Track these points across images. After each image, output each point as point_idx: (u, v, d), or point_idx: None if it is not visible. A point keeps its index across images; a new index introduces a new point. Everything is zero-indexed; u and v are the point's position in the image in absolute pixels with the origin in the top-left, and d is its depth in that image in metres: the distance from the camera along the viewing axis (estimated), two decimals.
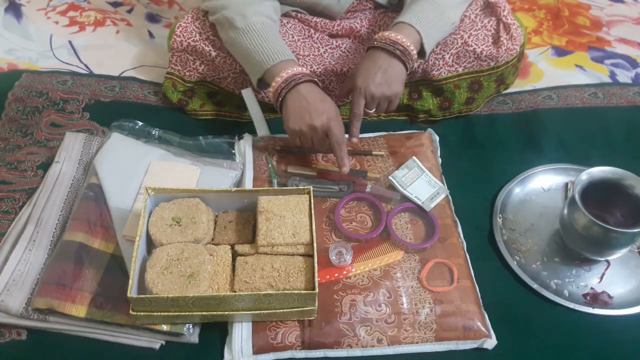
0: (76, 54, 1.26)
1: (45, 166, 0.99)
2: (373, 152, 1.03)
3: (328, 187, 0.96)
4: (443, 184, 0.99)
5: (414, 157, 1.00)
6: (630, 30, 1.44)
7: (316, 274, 0.78)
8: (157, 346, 0.80)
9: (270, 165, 0.99)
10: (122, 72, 1.22)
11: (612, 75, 1.29)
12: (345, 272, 0.86)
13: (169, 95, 1.10)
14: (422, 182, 0.96)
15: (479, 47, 1.04)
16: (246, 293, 0.77)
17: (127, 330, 0.80)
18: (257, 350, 0.79)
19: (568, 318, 0.86)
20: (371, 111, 0.95)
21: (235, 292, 0.79)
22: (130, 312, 0.77)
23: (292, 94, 0.90)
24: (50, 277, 0.82)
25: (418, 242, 0.90)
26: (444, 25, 0.98)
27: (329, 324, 0.80)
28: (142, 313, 0.76)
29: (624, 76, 1.29)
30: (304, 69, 0.92)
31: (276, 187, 0.94)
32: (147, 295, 0.75)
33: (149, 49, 1.28)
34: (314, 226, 0.83)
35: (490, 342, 0.82)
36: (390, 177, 0.97)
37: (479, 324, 0.82)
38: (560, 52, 1.36)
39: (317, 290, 0.77)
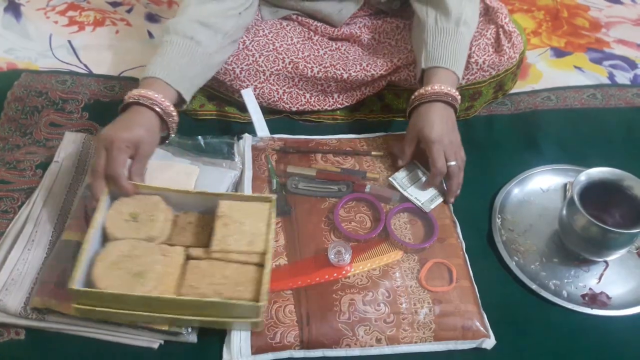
0: (75, 53, 1.26)
1: (44, 166, 0.99)
2: (372, 153, 1.03)
3: (327, 187, 0.96)
4: (443, 185, 0.98)
5: (415, 162, 0.99)
6: (629, 31, 1.45)
7: (265, 286, 0.76)
8: (155, 346, 0.80)
9: (269, 165, 0.99)
10: (122, 72, 1.22)
11: (611, 76, 1.30)
12: (344, 272, 0.86)
13: None
14: (422, 184, 0.96)
15: (480, 58, 1.03)
16: (189, 298, 0.75)
17: (125, 330, 0.80)
18: (256, 350, 0.79)
19: (567, 318, 0.86)
20: (453, 163, 0.91)
21: (180, 296, 0.77)
22: (73, 305, 0.76)
23: (129, 111, 0.83)
24: (49, 276, 0.81)
25: (417, 242, 0.90)
26: (467, 51, 0.99)
27: (327, 324, 0.80)
28: (84, 307, 0.75)
29: (623, 77, 1.30)
30: (159, 95, 0.83)
31: (272, 188, 0.94)
32: (89, 289, 0.74)
33: (149, 49, 1.28)
34: (270, 236, 0.82)
35: (489, 342, 0.82)
36: (390, 179, 0.97)
37: (477, 324, 0.82)
38: (559, 53, 1.36)
39: (262, 303, 0.75)
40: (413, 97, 0.94)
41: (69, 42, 1.28)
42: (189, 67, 0.88)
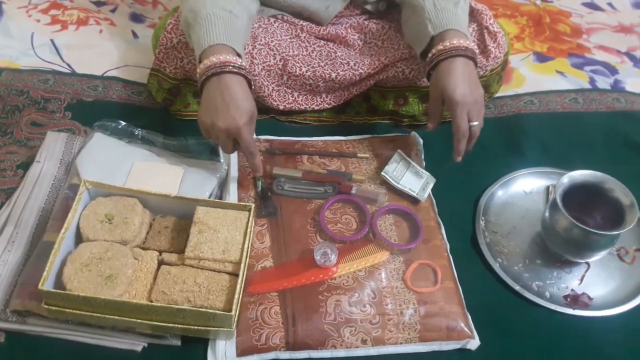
0: (58, 52, 1.24)
1: (25, 166, 0.97)
2: (358, 155, 1.03)
3: (313, 189, 0.96)
4: (429, 174, 1.00)
5: (399, 150, 1.00)
6: (609, 37, 1.48)
7: (238, 295, 0.76)
8: (139, 348, 0.78)
9: None
10: (105, 72, 1.21)
11: (592, 81, 1.32)
12: (330, 273, 0.86)
13: (154, 94, 1.09)
14: (412, 174, 0.98)
15: None
16: (159, 305, 0.74)
17: (108, 332, 0.79)
18: (241, 352, 0.78)
19: (549, 319, 0.87)
20: (475, 123, 0.89)
21: (150, 301, 0.77)
22: (43, 305, 0.75)
23: (213, 82, 0.82)
24: (29, 278, 0.80)
25: (402, 244, 0.91)
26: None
27: (313, 325, 0.80)
28: (54, 307, 0.75)
29: (603, 82, 1.32)
30: (240, 60, 0.84)
31: (258, 189, 0.94)
32: (59, 291, 0.73)
33: (133, 49, 1.27)
34: (246, 245, 0.81)
35: (474, 343, 0.82)
36: (382, 173, 0.97)
37: (462, 324, 0.83)
38: (541, 58, 1.38)
39: (234, 313, 0.74)
40: (431, 54, 0.91)
41: (52, 41, 1.26)
42: (233, 36, 0.87)
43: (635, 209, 0.86)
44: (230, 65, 0.83)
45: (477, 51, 1.04)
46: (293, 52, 1.05)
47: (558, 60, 1.37)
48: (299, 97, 1.09)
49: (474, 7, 1.07)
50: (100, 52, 1.25)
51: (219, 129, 0.83)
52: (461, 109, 0.87)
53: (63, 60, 1.22)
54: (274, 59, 1.04)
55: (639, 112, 1.23)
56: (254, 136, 1.03)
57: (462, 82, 0.87)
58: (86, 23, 1.32)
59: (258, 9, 1.00)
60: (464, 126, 0.88)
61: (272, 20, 1.07)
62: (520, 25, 1.48)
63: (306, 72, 1.05)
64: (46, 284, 0.74)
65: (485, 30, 1.05)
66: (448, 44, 0.89)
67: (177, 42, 1.01)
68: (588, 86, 1.30)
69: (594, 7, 1.59)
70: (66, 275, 0.75)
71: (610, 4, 1.60)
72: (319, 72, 1.05)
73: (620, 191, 0.89)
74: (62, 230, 0.78)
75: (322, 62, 1.06)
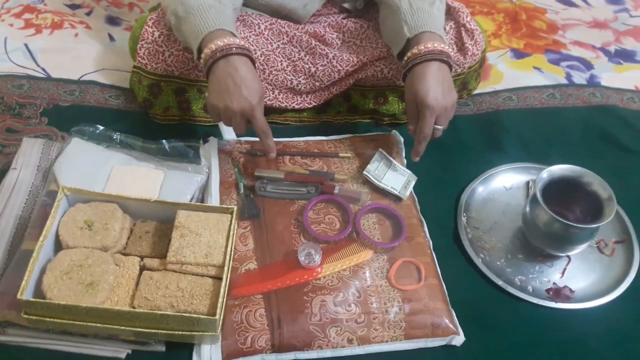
0: (33, 57, 1.22)
1: (1, 173, 0.95)
2: (340, 154, 1.03)
3: (296, 189, 0.96)
4: (411, 173, 1.00)
5: (380, 149, 1.01)
6: (584, 33, 1.50)
7: (221, 299, 0.76)
8: (122, 355, 0.77)
9: (236, 169, 0.98)
10: (82, 76, 1.19)
11: (568, 76, 1.34)
12: (314, 274, 0.86)
13: (136, 92, 1.07)
14: (393, 172, 0.98)
15: None
16: (142, 311, 0.74)
17: (91, 340, 0.78)
18: (227, 356, 0.77)
19: (532, 313, 0.88)
20: (440, 127, 0.91)
21: (133, 308, 0.76)
22: (23, 314, 0.73)
23: (220, 65, 0.84)
24: (8, 288, 0.78)
25: (386, 242, 0.91)
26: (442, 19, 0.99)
27: (299, 326, 0.80)
28: (34, 317, 0.73)
29: (580, 78, 1.34)
30: (241, 41, 0.86)
31: (240, 191, 0.93)
32: (38, 300, 0.72)
33: (110, 52, 1.25)
34: (229, 248, 0.81)
35: (459, 339, 0.83)
36: (364, 172, 0.97)
37: (446, 321, 0.83)
38: (518, 54, 1.40)
39: (218, 317, 0.74)
40: (407, 58, 0.92)
41: (26, 45, 1.24)
42: (227, 22, 0.89)
43: (613, 201, 0.87)
44: (235, 47, 0.85)
45: (454, 51, 1.05)
46: (272, 46, 1.04)
47: (535, 57, 1.39)
48: (279, 95, 1.09)
49: (451, 5, 1.08)
50: (76, 56, 1.23)
51: (232, 111, 0.84)
52: (430, 114, 0.89)
53: (38, 65, 1.20)
54: (254, 54, 1.03)
55: (615, 107, 1.26)
56: (236, 137, 1.03)
57: (434, 86, 0.88)
58: (61, 27, 1.30)
59: (241, 3, 1.00)
60: (427, 131, 0.90)
61: (249, 11, 1.06)
62: (497, 22, 1.50)
63: (287, 66, 1.04)
64: (25, 293, 0.72)
65: (462, 28, 1.06)
66: (423, 47, 0.90)
67: (158, 35, 0.99)
68: (565, 81, 1.32)
69: (569, 3, 1.61)
70: (46, 284, 0.74)
71: (584, 0, 1.63)
72: (299, 65, 1.04)
73: (598, 184, 0.90)
74: (41, 238, 0.77)
75: (302, 52, 1.06)
